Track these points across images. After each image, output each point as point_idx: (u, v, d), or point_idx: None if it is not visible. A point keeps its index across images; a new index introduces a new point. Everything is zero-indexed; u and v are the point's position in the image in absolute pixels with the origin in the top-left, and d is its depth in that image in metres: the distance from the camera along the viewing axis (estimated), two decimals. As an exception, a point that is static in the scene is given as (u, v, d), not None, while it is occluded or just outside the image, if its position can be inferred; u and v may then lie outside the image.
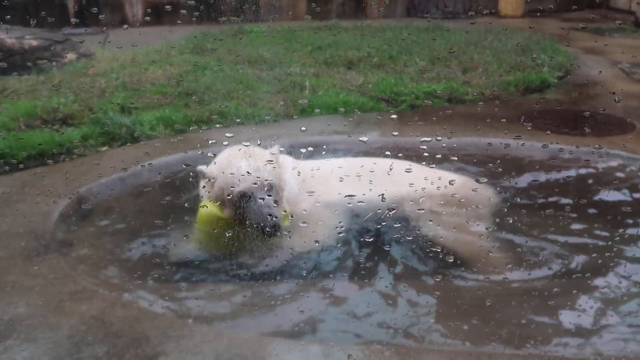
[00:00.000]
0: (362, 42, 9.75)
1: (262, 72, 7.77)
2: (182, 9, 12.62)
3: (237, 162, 3.50)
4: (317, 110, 6.28)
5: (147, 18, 12.92)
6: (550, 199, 4.34)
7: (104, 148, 5.41)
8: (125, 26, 12.40)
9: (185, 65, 8.07)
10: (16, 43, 8.18)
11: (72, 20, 12.28)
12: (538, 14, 14.02)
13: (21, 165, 4.94)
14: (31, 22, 10.21)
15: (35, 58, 8.09)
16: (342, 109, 6.28)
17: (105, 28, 12.15)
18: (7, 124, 5.72)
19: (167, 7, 12.58)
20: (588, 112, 6.49)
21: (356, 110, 6.37)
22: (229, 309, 3.10)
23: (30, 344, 2.74)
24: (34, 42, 8.32)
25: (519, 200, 4.28)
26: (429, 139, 5.12)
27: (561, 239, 3.79)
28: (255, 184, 3.43)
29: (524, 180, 4.63)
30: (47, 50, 8.32)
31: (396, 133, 5.55)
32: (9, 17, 10.66)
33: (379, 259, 3.56)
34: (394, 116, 6.12)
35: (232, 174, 3.45)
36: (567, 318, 3.03)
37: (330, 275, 3.39)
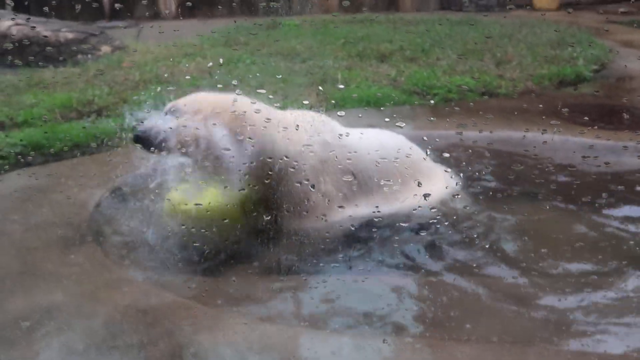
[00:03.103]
0: (394, 35, 9.71)
1: (295, 65, 7.78)
2: (217, 3, 12.67)
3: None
4: (354, 97, 6.25)
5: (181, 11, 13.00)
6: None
7: (139, 140, 5.46)
8: (160, 20, 12.49)
9: (219, 58, 8.12)
10: (52, 36, 8.30)
11: (108, 13, 12.42)
12: (570, 10, 13.77)
13: (57, 156, 5.03)
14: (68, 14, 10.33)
15: (71, 51, 8.21)
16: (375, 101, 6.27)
17: (139, 22, 12.25)
18: (44, 115, 5.81)
19: None
20: (624, 107, 6.39)
21: (389, 102, 6.35)
22: (262, 299, 3.11)
23: (66, 331, 2.78)
24: (70, 35, 8.44)
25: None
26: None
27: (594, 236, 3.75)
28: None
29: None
30: (82, 43, 8.43)
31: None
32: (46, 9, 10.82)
33: (412, 249, 3.55)
34: (433, 118, 6.06)
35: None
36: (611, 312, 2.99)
37: (361, 267, 3.39)
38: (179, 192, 3.80)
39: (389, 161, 3.85)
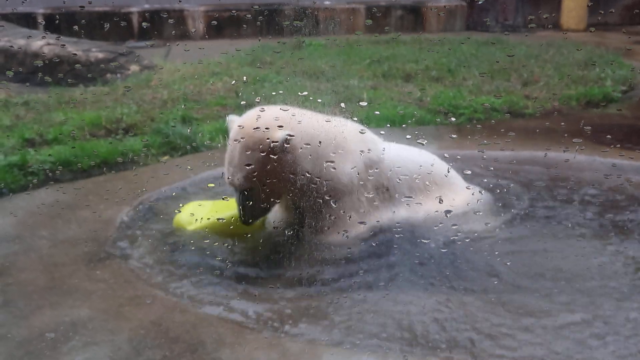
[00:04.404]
0: (420, 55, 9.73)
1: (320, 85, 7.82)
2: (243, 23, 12.81)
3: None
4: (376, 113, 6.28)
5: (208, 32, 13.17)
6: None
7: (165, 157, 5.53)
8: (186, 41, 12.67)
9: (244, 77, 8.19)
10: (83, 55, 8.44)
11: (137, 33, 12.62)
12: (592, 29, 13.67)
13: (85, 173, 5.10)
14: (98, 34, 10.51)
15: (100, 70, 8.34)
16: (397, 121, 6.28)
17: (168, 41, 12.42)
18: (72, 132, 5.90)
19: (232, 12, 12.79)
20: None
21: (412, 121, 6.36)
22: (285, 316, 3.11)
23: (91, 347, 2.81)
24: (100, 55, 8.57)
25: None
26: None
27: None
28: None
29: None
30: (112, 62, 8.56)
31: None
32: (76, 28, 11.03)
33: (434, 265, 3.54)
34: (454, 136, 6.05)
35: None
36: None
37: (389, 283, 3.38)
38: (190, 209, 3.86)
39: (422, 176, 3.90)
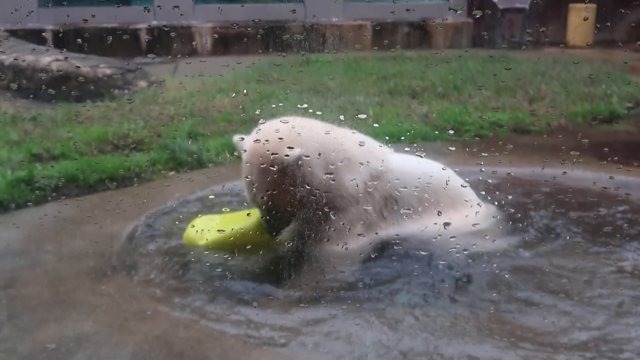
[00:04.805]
0: (426, 72, 9.75)
1: (327, 101, 7.84)
2: (250, 40, 12.88)
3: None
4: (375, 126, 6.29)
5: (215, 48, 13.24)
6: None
7: (171, 173, 5.55)
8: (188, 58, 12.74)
9: (252, 94, 8.22)
10: (91, 71, 8.50)
11: (144, 50, 12.71)
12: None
13: (91, 188, 5.12)
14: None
15: (108, 85, 8.39)
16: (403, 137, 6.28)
17: (175, 58, 12.49)
18: (80, 149, 5.93)
19: (239, 28, 12.86)
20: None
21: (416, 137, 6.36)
22: (292, 332, 3.10)
23: (95, 361, 2.82)
24: (108, 71, 8.62)
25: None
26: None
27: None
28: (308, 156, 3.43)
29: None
30: (119, 79, 8.61)
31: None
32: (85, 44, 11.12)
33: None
34: (452, 148, 6.05)
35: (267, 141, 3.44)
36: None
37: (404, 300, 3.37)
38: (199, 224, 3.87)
39: (433, 189, 3.90)
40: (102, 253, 3.90)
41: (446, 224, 3.69)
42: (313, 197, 3.51)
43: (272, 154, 3.41)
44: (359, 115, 5.08)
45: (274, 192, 3.45)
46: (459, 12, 14.62)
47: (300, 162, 3.42)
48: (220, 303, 3.35)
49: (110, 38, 12.37)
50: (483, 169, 4.91)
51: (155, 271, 3.72)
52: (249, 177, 3.51)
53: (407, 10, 13.94)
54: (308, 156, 3.45)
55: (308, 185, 3.48)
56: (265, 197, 3.48)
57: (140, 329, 3.07)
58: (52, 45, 12.01)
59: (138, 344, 2.95)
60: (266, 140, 3.45)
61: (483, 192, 4.29)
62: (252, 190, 3.51)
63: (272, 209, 3.54)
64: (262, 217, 3.62)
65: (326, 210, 3.57)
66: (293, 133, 3.48)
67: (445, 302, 3.36)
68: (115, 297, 3.40)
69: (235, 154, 5.72)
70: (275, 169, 3.41)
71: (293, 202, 3.51)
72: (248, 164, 3.51)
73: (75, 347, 2.92)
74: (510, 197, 4.54)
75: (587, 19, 13.42)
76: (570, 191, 4.81)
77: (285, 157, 3.40)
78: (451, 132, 6.64)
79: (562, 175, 4.91)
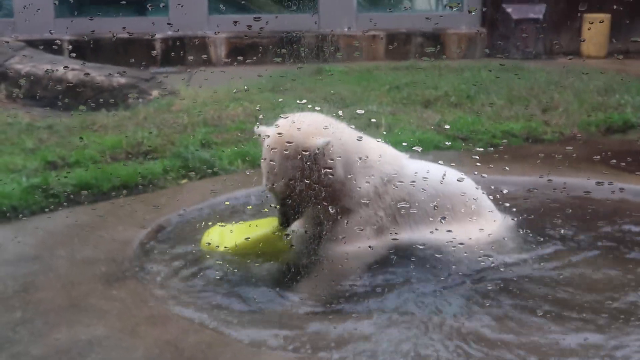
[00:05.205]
0: (439, 82, 9.76)
1: (339, 110, 7.85)
2: (264, 50, 12.96)
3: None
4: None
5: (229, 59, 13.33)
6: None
7: (184, 181, 5.59)
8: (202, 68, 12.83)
9: (265, 103, 8.26)
10: (106, 81, 8.59)
11: (159, 59, 12.83)
12: (620, 56, 13.66)
13: (105, 195, 5.17)
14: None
15: (123, 95, 8.48)
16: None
17: (189, 67, 12.59)
18: (94, 157, 5.99)
19: (254, 38, 12.94)
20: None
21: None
22: (302, 336, 3.11)
23: (106, 365, 2.84)
24: (122, 80, 8.72)
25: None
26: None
27: None
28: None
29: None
30: (134, 88, 8.69)
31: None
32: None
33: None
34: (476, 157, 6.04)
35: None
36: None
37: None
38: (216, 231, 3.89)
39: (448, 196, 3.91)
40: (114, 259, 3.93)
41: (443, 218, 3.76)
42: (325, 192, 3.56)
43: (299, 139, 3.45)
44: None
45: (293, 179, 3.48)
46: (455, 9, 14.66)
47: (324, 151, 3.45)
48: (230, 308, 3.37)
49: (125, 48, 12.50)
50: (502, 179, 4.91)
51: (166, 277, 3.75)
52: (270, 162, 3.53)
53: (427, 18, 14.00)
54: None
55: (325, 178, 3.51)
56: (283, 184, 3.50)
57: (150, 334, 3.10)
58: (68, 55, 12.15)
59: (148, 349, 2.97)
60: (292, 128, 3.49)
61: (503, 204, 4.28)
62: (271, 176, 3.54)
63: (288, 197, 3.56)
64: (276, 206, 3.66)
65: (336, 208, 3.61)
66: (319, 125, 3.53)
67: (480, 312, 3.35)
68: (126, 302, 3.42)
69: (248, 159, 5.77)
70: (299, 154, 3.44)
71: (308, 192, 3.54)
72: (271, 149, 3.53)
73: (86, 351, 2.94)
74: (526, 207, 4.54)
75: (602, 21, 13.36)
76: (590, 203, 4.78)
77: (314, 142, 3.43)
78: (462, 142, 6.64)
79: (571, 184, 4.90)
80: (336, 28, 13.61)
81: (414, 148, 5.73)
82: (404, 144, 4.75)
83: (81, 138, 6.48)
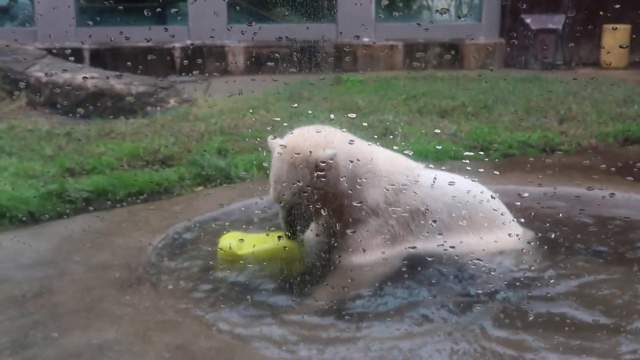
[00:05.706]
0: (457, 92, 9.75)
1: (356, 119, 7.87)
2: (282, 59, 13.02)
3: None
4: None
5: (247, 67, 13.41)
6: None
7: (199, 188, 5.62)
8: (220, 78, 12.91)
9: (282, 112, 8.30)
10: (125, 89, 8.68)
11: (178, 68, 12.95)
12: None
13: (121, 202, 5.21)
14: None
15: (141, 103, 8.56)
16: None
17: (208, 76, 12.68)
18: (112, 164, 6.04)
19: (271, 48, 13.02)
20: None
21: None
22: (313, 343, 3.12)
23: (117, 369, 2.86)
24: (141, 88, 8.80)
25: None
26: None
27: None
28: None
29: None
30: (152, 96, 8.77)
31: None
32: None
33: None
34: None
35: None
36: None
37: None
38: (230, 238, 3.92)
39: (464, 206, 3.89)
40: (129, 265, 3.96)
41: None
42: (333, 202, 3.60)
43: (307, 151, 3.48)
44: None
45: (301, 190, 3.51)
46: (463, 19, 14.72)
47: (332, 162, 3.48)
48: (241, 313, 3.39)
49: (145, 57, 12.63)
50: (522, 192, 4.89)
51: (179, 283, 3.77)
52: (278, 172, 3.56)
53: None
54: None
55: (332, 189, 3.54)
56: (290, 194, 3.53)
57: (162, 339, 3.11)
58: (89, 63, 12.30)
59: (159, 353, 2.99)
60: (301, 139, 3.54)
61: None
62: (278, 187, 3.57)
63: (295, 208, 3.59)
64: (281, 218, 3.69)
65: (346, 218, 3.61)
66: (327, 137, 3.57)
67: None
68: (139, 307, 3.45)
69: (265, 165, 5.79)
70: (307, 166, 3.48)
71: (316, 203, 3.57)
72: (280, 160, 3.56)
73: (98, 355, 2.96)
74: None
75: (615, 28, 13.33)
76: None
77: (322, 153, 3.46)
78: (481, 152, 6.62)
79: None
80: (353, 38, 13.65)
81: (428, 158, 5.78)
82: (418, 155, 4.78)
83: (97, 145, 6.56)
